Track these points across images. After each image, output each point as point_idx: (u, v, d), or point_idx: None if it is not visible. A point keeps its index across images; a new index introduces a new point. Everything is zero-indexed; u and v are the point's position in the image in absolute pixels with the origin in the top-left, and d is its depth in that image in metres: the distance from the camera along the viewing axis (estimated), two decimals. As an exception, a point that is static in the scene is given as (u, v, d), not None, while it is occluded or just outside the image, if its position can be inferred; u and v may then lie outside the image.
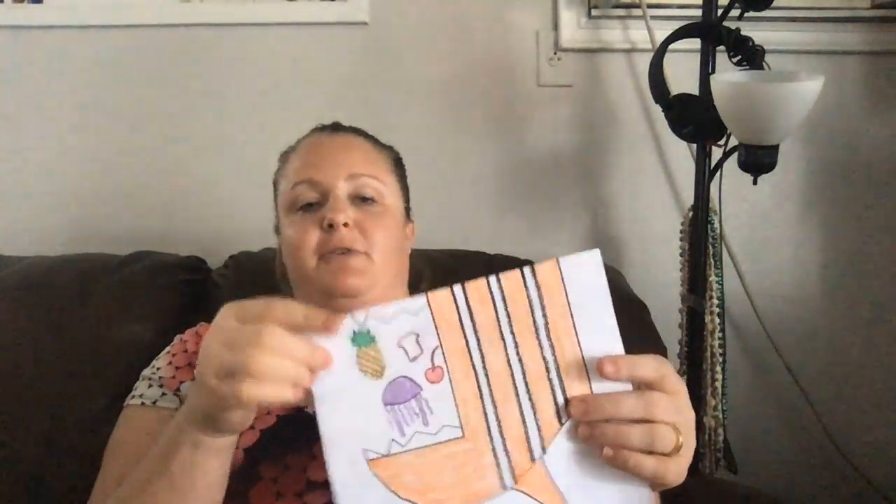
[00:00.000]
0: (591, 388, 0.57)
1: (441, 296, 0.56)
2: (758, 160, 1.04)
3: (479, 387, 0.56)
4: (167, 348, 0.89)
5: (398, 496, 0.55)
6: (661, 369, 0.56)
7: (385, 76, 1.42)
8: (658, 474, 0.54)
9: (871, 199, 1.47)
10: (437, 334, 0.56)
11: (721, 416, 1.21)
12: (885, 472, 1.46)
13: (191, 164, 1.43)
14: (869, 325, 1.49)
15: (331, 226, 0.81)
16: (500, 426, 0.56)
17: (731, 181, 1.24)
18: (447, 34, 1.42)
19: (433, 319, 0.56)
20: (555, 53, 1.42)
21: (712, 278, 1.21)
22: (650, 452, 0.54)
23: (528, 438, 0.56)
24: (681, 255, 1.26)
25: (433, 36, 1.42)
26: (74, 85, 1.40)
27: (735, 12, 1.12)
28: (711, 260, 1.21)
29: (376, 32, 1.41)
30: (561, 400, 0.56)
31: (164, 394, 0.81)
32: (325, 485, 0.69)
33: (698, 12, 1.18)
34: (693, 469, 1.22)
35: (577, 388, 0.56)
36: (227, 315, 0.57)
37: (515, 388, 0.56)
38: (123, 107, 1.41)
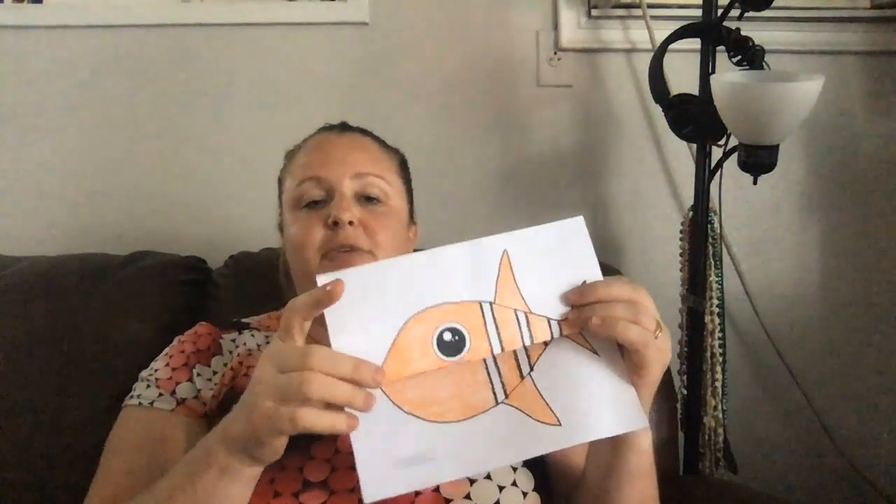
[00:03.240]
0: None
1: None
2: (758, 160, 1.04)
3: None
4: (165, 350, 0.89)
5: (403, 410, 0.58)
6: (638, 292, 0.61)
7: (385, 76, 1.42)
8: (641, 342, 0.59)
9: (871, 200, 1.47)
10: None
11: (721, 416, 1.21)
12: (885, 472, 1.46)
13: (191, 165, 1.43)
14: (869, 325, 1.49)
15: (336, 223, 0.81)
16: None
17: (731, 181, 1.24)
18: (447, 34, 1.42)
19: None
20: (555, 53, 1.42)
21: (712, 278, 1.21)
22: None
23: (516, 358, 0.61)
24: (681, 255, 1.26)
25: (433, 36, 1.42)
26: (74, 85, 1.40)
27: (735, 12, 1.12)
28: (711, 260, 1.21)
29: (376, 32, 1.41)
30: (544, 325, 0.61)
31: (161, 394, 0.82)
32: (322, 485, 0.70)
33: (698, 12, 1.18)
34: (693, 469, 1.23)
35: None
36: (276, 342, 0.59)
37: (517, 318, 0.61)
38: (123, 107, 1.41)
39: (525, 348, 0.60)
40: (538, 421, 0.59)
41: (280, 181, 0.93)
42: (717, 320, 1.21)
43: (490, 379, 0.60)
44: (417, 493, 0.69)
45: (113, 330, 1.14)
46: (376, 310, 0.59)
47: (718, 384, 1.21)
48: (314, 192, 0.85)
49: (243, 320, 0.94)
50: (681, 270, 1.26)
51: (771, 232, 1.48)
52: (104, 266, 1.22)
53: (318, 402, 0.54)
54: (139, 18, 1.38)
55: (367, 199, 0.85)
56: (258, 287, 1.08)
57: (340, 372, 0.55)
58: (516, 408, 0.59)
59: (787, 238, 1.49)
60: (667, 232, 1.41)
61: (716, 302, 1.21)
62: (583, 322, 0.60)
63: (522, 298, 0.60)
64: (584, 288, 0.60)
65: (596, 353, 0.61)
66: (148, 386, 0.83)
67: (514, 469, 0.75)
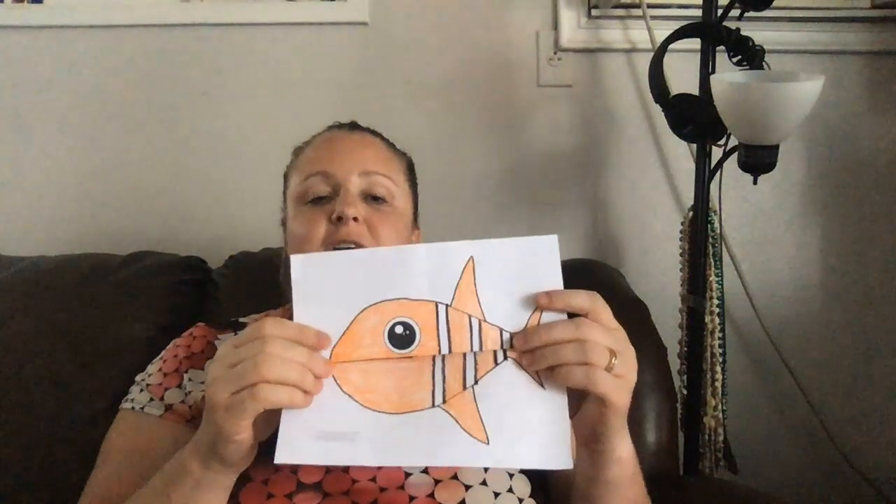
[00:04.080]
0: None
1: None
2: (758, 160, 1.04)
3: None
4: (161, 353, 0.89)
5: (341, 389, 0.60)
6: (594, 302, 0.60)
7: (385, 76, 1.42)
8: (589, 382, 0.57)
9: (871, 199, 1.47)
10: None
11: (721, 416, 1.21)
12: (885, 472, 1.46)
13: (191, 165, 1.43)
14: (869, 325, 1.49)
15: (339, 219, 0.80)
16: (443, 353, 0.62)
17: (731, 181, 1.24)
18: (447, 34, 1.42)
19: None
20: (555, 53, 1.42)
21: (712, 278, 1.21)
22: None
23: (464, 368, 0.61)
24: (681, 255, 1.26)
25: (433, 36, 1.42)
26: (74, 85, 1.40)
27: (735, 12, 1.12)
28: (711, 260, 1.21)
29: (376, 32, 1.41)
30: (496, 334, 0.61)
31: (151, 399, 0.82)
32: (315, 486, 0.69)
33: (698, 12, 1.18)
34: (693, 469, 1.23)
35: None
36: (226, 345, 0.60)
37: (471, 324, 0.61)
38: (123, 107, 1.41)
39: (475, 361, 0.61)
40: (466, 432, 0.59)
41: (286, 177, 0.93)
42: (717, 320, 1.21)
43: (433, 382, 0.61)
44: (412, 498, 0.69)
45: (113, 330, 1.14)
46: (339, 294, 0.61)
47: (718, 384, 1.21)
48: (320, 188, 0.84)
49: (241, 320, 0.94)
50: (681, 270, 1.26)
51: (771, 232, 1.48)
52: (104, 266, 1.22)
53: (273, 381, 0.56)
54: (139, 18, 1.39)
55: (372, 199, 0.85)
56: (258, 287, 1.08)
57: (295, 358, 0.57)
58: (450, 414, 0.60)
59: (787, 238, 1.49)
60: (667, 232, 1.41)
61: (716, 302, 1.21)
62: (533, 368, 0.59)
63: (479, 305, 0.61)
64: (528, 334, 0.60)
65: (542, 384, 0.60)
66: (141, 390, 0.83)
67: (511, 475, 0.74)
